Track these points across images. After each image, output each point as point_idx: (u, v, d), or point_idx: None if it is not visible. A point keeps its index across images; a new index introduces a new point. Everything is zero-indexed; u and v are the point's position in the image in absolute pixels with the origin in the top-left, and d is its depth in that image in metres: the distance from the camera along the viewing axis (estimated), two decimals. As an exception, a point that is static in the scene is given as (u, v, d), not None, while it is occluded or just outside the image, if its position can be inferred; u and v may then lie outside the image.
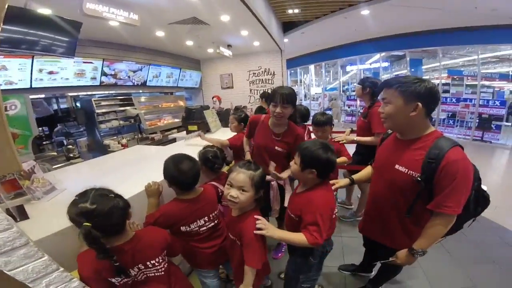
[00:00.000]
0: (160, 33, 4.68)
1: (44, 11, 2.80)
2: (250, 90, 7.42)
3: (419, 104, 1.06)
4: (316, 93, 13.64)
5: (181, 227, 1.30)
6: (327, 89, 12.46)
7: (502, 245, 2.31)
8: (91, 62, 4.32)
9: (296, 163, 1.25)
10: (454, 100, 6.95)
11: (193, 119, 3.68)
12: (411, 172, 1.11)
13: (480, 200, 1.17)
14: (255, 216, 1.15)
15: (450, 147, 1.03)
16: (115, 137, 4.73)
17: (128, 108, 5.14)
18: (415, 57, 8.42)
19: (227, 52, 5.87)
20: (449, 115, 7.12)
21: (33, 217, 1.16)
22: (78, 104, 5.12)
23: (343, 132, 2.69)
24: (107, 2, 2.76)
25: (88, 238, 0.84)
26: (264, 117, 1.86)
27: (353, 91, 11.09)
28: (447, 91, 7.31)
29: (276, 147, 1.74)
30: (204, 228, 1.36)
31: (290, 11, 5.59)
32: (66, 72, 3.95)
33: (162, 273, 1.09)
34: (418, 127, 1.14)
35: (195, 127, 3.52)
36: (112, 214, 0.90)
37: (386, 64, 9.53)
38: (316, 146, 1.21)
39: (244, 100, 7.35)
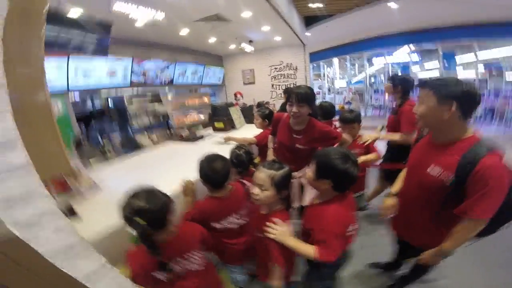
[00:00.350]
0: (185, 31, 4.82)
1: (76, 10, 2.95)
2: (272, 86, 7.43)
3: (454, 104, 1.03)
4: (340, 87, 13.26)
5: (212, 223, 1.39)
6: (352, 82, 12.07)
7: None
8: (121, 59, 4.51)
9: (311, 170, 1.20)
10: (492, 95, 6.43)
11: (219, 116, 3.82)
12: (444, 173, 1.09)
13: None
14: (274, 219, 1.17)
15: (486, 153, 1.00)
16: (146, 134, 5.02)
17: (157, 105, 5.42)
18: (448, 50, 7.83)
19: (248, 48, 5.91)
20: (487, 111, 6.60)
21: (81, 215, 1.26)
22: (110, 103, 5.46)
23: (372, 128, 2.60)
24: (134, 1, 2.86)
25: (142, 235, 0.94)
26: (286, 115, 1.88)
27: (381, 83, 10.64)
28: (484, 87, 6.78)
29: (297, 145, 1.77)
30: (234, 225, 1.44)
31: (311, 5, 5.46)
32: (99, 72, 4.17)
33: (203, 267, 1.18)
34: (453, 130, 1.10)
35: (221, 124, 3.66)
36: (162, 211, 1.00)
37: (415, 56, 8.96)
38: (334, 154, 1.13)
39: (266, 96, 7.37)
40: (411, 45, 8.38)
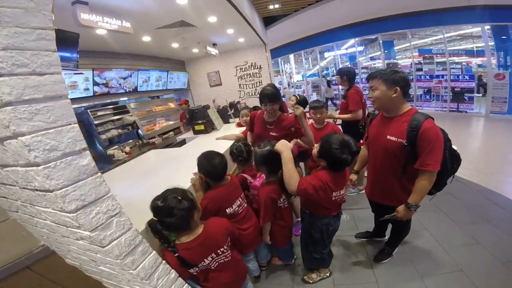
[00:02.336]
0: (146, 38, 4.67)
1: None
2: (239, 85, 7.55)
3: (397, 88, 1.42)
4: (297, 81, 14.04)
5: (227, 209, 1.55)
6: (307, 75, 12.90)
7: (491, 205, 2.55)
8: (81, 73, 4.26)
9: (316, 148, 1.50)
10: (428, 77, 7.53)
11: (198, 119, 3.84)
12: (399, 139, 1.44)
13: (453, 158, 1.52)
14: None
15: (424, 119, 1.38)
16: (116, 146, 4.75)
17: (124, 115, 5.16)
18: (387, 39, 8.94)
19: (214, 51, 5.95)
20: (425, 91, 7.72)
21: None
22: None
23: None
24: (100, 12, 2.78)
25: (152, 229, 1.10)
26: (260, 112, 2.20)
27: (333, 76, 11.60)
28: (420, 70, 7.90)
29: (271, 133, 2.05)
30: (241, 208, 1.63)
31: (271, 7, 5.77)
32: None
33: (229, 258, 1.32)
34: (399, 106, 1.49)
35: (201, 126, 3.69)
36: (173, 212, 1.10)
37: (361, 48, 10.02)
38: (335, 142, 1.38)
39: (234, 96, 7.50)
40: (356, 38, 9.26)
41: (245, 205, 1.69)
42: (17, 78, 0.66)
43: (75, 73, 4.13)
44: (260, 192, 1.65)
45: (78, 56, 3.38)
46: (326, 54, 11.34)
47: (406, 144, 1.41)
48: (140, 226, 1.14)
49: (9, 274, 1.06)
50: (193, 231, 1.21)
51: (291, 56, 12.79)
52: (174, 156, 2.58)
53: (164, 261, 1.08)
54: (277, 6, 5.79)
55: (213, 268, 1.25)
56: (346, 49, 10.31)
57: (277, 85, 12.23)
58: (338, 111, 3.08)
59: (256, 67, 7.31)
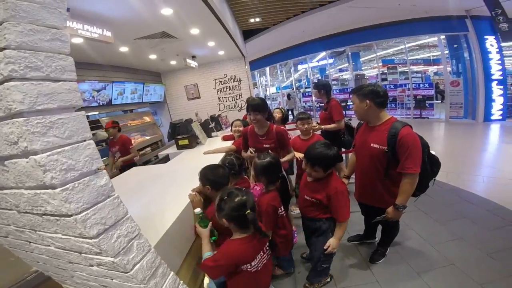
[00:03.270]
0: (124, 49, 4.47)
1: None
2: (219, 98, 7.46)
3: (367, 101, 1.57)
4: (272, 93, 14.41)
5: None
6: (281, 88, 13.32)
7: (462, 202, 2.76)
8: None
9: (309, 169, 1.59)
10: (392, 86, 8.20)
11: (180, 133, 3.68)
12: (381, 146, 1.57)
13: (433, 162, 1.65)
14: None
15: (402, 126, 1.51)
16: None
17: (97, 131, 4.78)
18: (354, 51, 9.65)
19: (193, 64, 5.86)
20: (391, 100, 8.37)
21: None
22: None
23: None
24: (80, 19, 2.63)
25: (254, 221, 1.13)
26: (250, 127, 2.28)
27: (307, 87, 12.11)
28: (385, 79, 8.58)
29: (264, 145, 2.15)
30: None
31: (252, 20, 5.91)
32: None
33: (269, 258, 1.35)
34: (376, 116, 1.63)
35: (185, 141, 3.53)
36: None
37: (331, 60, 10.67)
38: (320, 144, 1.58)
39: (214, 109, 7.38)
40: (327, 51, 9.84)
41: None
42: (30, 83, 0.56)
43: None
44: (260, 201, 1.65)
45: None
46: (299, 67, 11.84)
47: (387, 150, 1.53)
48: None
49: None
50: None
51: (267, 69, 13.12)
52: (161, 173, 2.41)
53: (182, 282, 0.98)
54: (258, 19, 5.95)
55: (259, 269, 1.25)
56: (318, 61, 10.91)
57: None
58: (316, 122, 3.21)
59: (235, 80, 7.32)
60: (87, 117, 4.86)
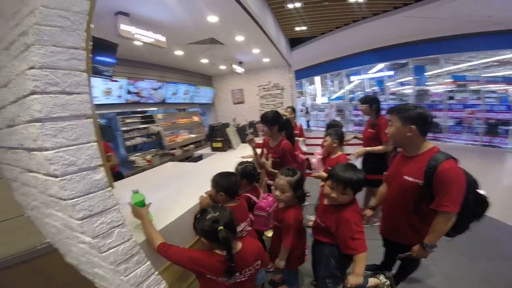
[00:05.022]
0: (179, 52, 4.99)
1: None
2: (261, 105, 7.62)
3: (413, 126, 1.36)
4: (322, 103, 13.91)
5: None
6: (332, 98, 12.73)
7: (508, 242, 2.41)
8: (116, 81, 4.58)
9: (334, 192, 1.44)
10: (460, 106, 7.13)
11: (216, 136, 3.94)
12: (416, 180, 1.38)
13: (478, 202, 1.38)
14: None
15: (444, 159, 1.31)
16: (139, 154, 4.99)
17: (150, 125, 5.45)
18: (418, 64, 8.69)
19: (239, 69, 6.17)
20: (456, 122, 7.27)
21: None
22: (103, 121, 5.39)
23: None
24: (138, 24, 2.99)
25: (226, 243, 1.06)
26: (267, 138, 2.43)
27: (359, 100, 11.29)
28: (452, 98, 7.51)
29: (270, 156, 2.25)
30: (244, 232, 1.63)
31: (298, 29, 5.92)
32: (95, 90, 4.15)
33: (254, 271, 1.27)
34: (416, 145, 1.42)
35: (219, 144, 3.77)
36: (232, 219, 1.14)
37: (391, 72, 9.77)
38: (342, 166, 1.47)
39: (255, 115, 7.43)
40: (386, 63, 9.12)
41: (249, 228, 1.71)
42: (48, 96, 0.74)
43: (111, 81, 4.47)
44: (286, 215, 1.63)
45: (115, 64, 3.63)
46: (352, 78, 11.23)
47: (422, 184, 1.35)
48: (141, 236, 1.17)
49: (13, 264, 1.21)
50: (236, 244, 1.21)
51: (317, 78, 12.81)
52: (188, 171, 2.64)
53: (157, 272, 1.09)
54: (304, 28, 5.93)
55: (238, 281, 1.21)
56: (375, 73, 10.14)
57: (300, 107, 12.39)
58: (352, 137, 3.03)
59: (278, 88, 7.41)
60: (145, 112, 5.69)
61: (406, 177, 1.43)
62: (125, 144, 4.85)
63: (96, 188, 0.85)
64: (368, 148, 2.63)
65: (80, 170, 0.81)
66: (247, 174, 1.95)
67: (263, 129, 2.18)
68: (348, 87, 11.78)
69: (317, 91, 13.95)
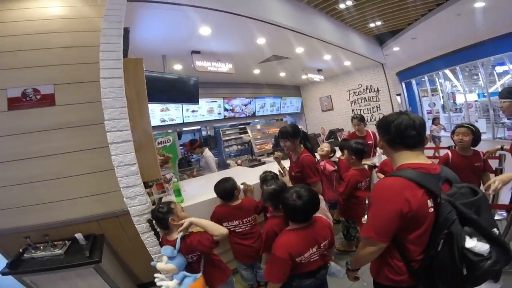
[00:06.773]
0: (256, 71, 5.82)
1: (177, 66, 4.39)
2: (352, 111, 7.11)
3: None
4: (462, 102, 10.28)
5: (224, 223, 1.97)
6: (484, 95, 9.16)
7: None
8: (215, 101, 6.12)
9: None
10: None
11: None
12: None
13: (465, 259, 0.85)
14: None
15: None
16: (233, 158, 6.38)
17: (243, 135, 6.78)
18: None
19: (317, 78, 6.29)
20: None
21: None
22: (210, 134, 7.20)
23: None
24: (209, 58, 3.84)
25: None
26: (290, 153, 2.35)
27: (498, 94, 7.71)
28: None
29: (293, 172, 2.23)
30: (240, 228, 2.01)
31: (372, 25, 5.33)
32: (201, 110, 5.81)
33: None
34: None
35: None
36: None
37: None
38: None
39: (346, 122, 6.51)
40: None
41: (248, 226, 2.03)
42: (113, 132, 1.73)
43: (212, 101, 6.01)
44: (265, 224, 1.82)
45: (198, 93, 4.45)
46: (498, 69, 8.15)
47: None
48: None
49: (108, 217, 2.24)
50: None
51: (447, 72, 9.86)
52: (240, 173, 3.33)
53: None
54: (378, 23, 5.26)
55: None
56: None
57: (427, 108, 9.99)
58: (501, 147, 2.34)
59: (372, 90, 6.81)
60: (241, 124, 7.12)
61: None
62: (224, 151, 6.37)
63: (132, 173, 1.77)
64: None
65: (125, 164, 1.75)
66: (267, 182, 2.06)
67: (285, 143, 2.15)
68: (504, 80, 8.40)
69: (458, 87, 10.34)
